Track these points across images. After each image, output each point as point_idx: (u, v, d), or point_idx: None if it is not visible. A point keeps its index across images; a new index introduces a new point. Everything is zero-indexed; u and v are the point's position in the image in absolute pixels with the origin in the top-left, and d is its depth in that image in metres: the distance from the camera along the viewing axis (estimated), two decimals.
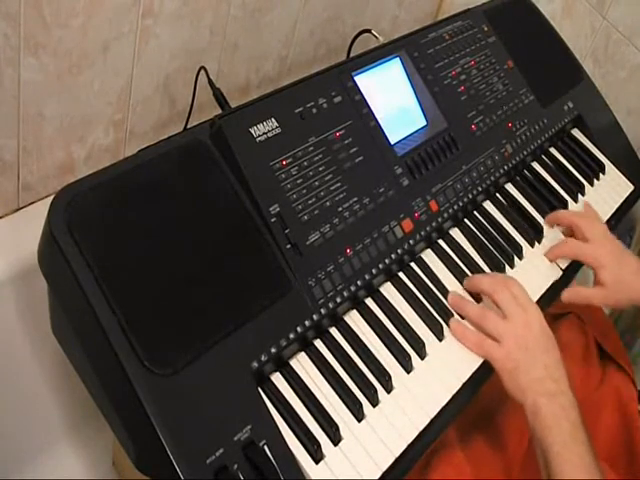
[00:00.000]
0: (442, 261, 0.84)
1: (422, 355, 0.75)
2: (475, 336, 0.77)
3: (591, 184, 1.04)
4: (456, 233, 0.88)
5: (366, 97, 0.84)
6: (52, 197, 0.63)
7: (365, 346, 0.73)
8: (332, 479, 0.64)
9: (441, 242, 0.86)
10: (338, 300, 0.73)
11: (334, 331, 0.73)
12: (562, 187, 1.00)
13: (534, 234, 0.91)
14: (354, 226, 0.77)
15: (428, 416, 0.71)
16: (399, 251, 0.79)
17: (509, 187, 0.97)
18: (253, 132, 0.73)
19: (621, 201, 1.04)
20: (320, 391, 0.68)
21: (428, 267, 0.82)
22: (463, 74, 0.96)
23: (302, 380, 0.68)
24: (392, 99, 0.88)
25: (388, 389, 0.71)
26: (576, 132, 1.10)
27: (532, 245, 0.91)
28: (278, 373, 0.68)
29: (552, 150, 1.06)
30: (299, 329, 0.69)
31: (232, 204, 0.70)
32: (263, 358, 0.65)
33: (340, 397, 0.69)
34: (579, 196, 1.01)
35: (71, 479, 1.08)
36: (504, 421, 0.86)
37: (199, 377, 0.61)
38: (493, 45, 1.02)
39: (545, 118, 1.04)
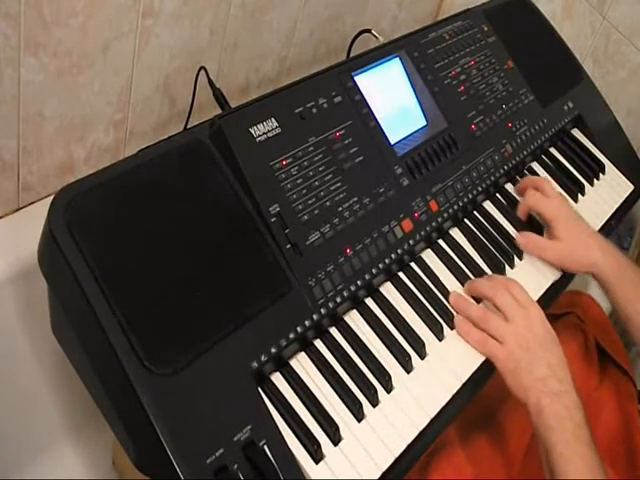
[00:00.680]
0: (442, 261, 0.84)
1: (422, 355, 0.75)
2: (479, 334, 0.77)
3: (591, 184, 1.04)
4: (456, 233, 0.88)
5: (366, 97, 0.84)
6: (52, 197, 0.63)
7: (365, 346, 0.73)
8: (332, 479, 0.64)
9: (441, 242, 0.86)
10: (338, 300, 0.73)
11: (334, 331, 0.73)
12: (562, 187, 1.00)
13: (534, 234, 0.91)
14: (354, 226, 0.77)
15: (428, 416, 0.71)
16: (399, 251, 0.79)
17: (509, 187, 0.97)
18: (253, 132, 0.73)
19: (621, 201, 1.04)
20: (320, 391, 0.68)
21: (428, 267, 0.82)
22: (463, 74, 0.96)
23: (302, 380, 0.68)
24: (392, 99, 0.88)
25: (388, 389, 0.71)
26: (576, 132, 1.10)
27: None
28: (278, 373, 0.68)
29: (552, 150, 1.06)
30: (299, 329, 0.69)
31: (232, 204, 0.70)
32: (263, 358, 0.65)
33: (340, 397, 0.69)
34: (579, 196, 1.01)
35: (71, 479, 1.08)
36: (505, 420, 0.86)
37: (199, 377, 0.61)
38: (493, 45, 1.02)
39: (545, 118, 1.04)
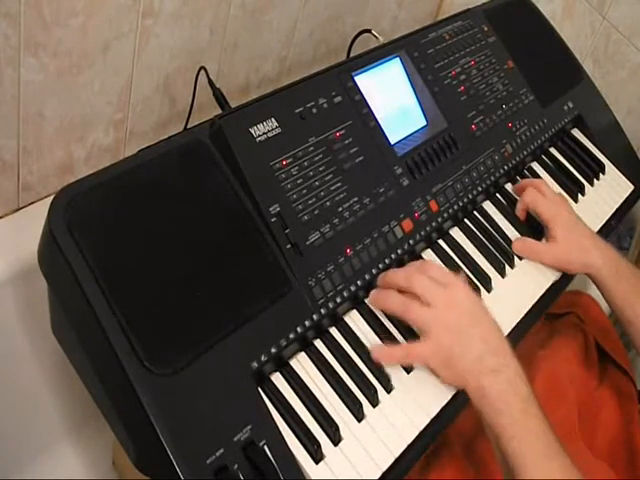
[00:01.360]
0: (442, 261, 0.84)
1: None
2: (399, 350, 0.72)
3: (591, 184, 1.04)
4: (456, 233, 0.88)
5: (366, 97, 0.84)
6: (52, 197, 0.63)
7: (365, 346, 0.73)
8: (332, 479, 0.64)
9: (441, 242, 0.86)
10: (338, 300, 0.73)
11: (334, 331, 0.73)
12: (562, 187, 1.00)
13: (534, 234, 0.91)
14: (354, 226, 0.77)
15: (428, 416, 0.71)
16: (399, 251, 0.79)
17: (509, 187, 0.97)
18: (253, 132, 0.73)
19: (621, 201, 1.04)
20: (320, 391, 0.68)
21: None
22: (463, 74, 0.96)
23: (302, 380, 0.68)
24: (392, 99, 0.88)
25: (388, 389, 0.71)
26: (576, 132, 1.10)
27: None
28: (278, 373, 0.68)
29: (552, 150, 1.06)
30: (299, 329, 0.69)
31: (232, 204, 0.70)
32: (263, 358, 0.65)
33: (340, 397, 0.69)
34: (579, 196, 1.01)
35: (71, 479, 1.08)
36: None
37: (199, 377, 0.61)
38: (493, 45, 1.02)
39: (545, 118, 1.04)
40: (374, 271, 0.76)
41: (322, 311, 0.71)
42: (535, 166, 1.02)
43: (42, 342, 0.97)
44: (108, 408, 0.64)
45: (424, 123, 0.90)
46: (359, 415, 0.68)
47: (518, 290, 0.85)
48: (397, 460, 0.67)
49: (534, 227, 0.92)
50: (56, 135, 0.89)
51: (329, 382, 0.69)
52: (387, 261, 0.78)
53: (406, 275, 0.73)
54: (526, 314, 0.83)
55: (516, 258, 0.88)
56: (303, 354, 0.70)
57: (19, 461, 1.05)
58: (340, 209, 0.76)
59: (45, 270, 0.66)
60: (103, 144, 0.97)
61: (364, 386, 0.70)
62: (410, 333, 0.75)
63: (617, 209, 1.03)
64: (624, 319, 0.84)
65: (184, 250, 0.66)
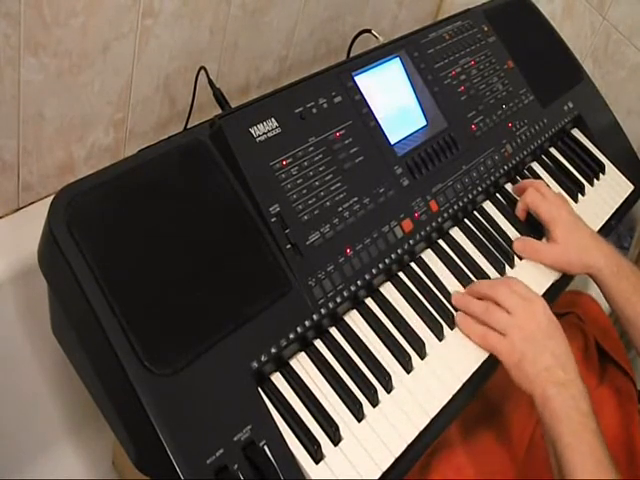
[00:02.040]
0: (442, 261, 0.84)
1: (422, 355, 0.75)
2: (480, 329, 0.77)
3: (591, 184, 1.04)
4: (456, 233, 0.88)
5: (366, 97, 0.84)
6: (52, 197, 0.63)
7: (365, 346, 0.73)
8: (332, 479, 0.64)
9: (441, 242, 0.86)
10: (338, 300, 0.73)
11: (334, 331, 0.73)
12: (562, 187, 1.00)
13: (534, 234, 0.91)
14: (354, 226, 0.77)
15: (428, 416, 0.71)
16: (399, 251, 0.79)
17: (509, 187, 0.97)
18: (253, 132, 0.73)
19: (621, 201, 1.04)
20: (320, 391, 0.68)
21: (428, 267, 0.82)
22: (463, 74, 0.96)
23: (302, 380, 0.68)
24: (392, 99, 0.88)
25: (388, 389, 0.71)
26: (576, 132, 1.10)
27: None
28: (278, 373, 0.68)
29: (552, 150, 1.06)
30: (299, 329, 0.69)
31: (232, 204, 0.70)
32: (263, 358, 0.65)
33: (340, 397, 0.69)
34: (579, 196, 1.01)
35: (71, 479, 1.08)
36: (505, 419, 0.86)
37: (199, 377, 0.61)
38: (493, 45, 1.02)
39: (545, 118, 1.04)
40: (374, 271, 0.76)
41: (322, 311, 0.71)
42: (535, 166, 1.02)
43: (42, 342, 0.97)
44: (108, 408, 0.64)
45: (424, 123, 0.90)
46: (359, 415, 0.68)
47: None
48: (397, 460, 0.67)
49: (534, 227, 0.92)
50: (56, 135, 0.89)
51: (329, 382, 0.69)
52: (387, 261, 0.78)
53: (491, 285, 0.80)
54: None
55: (516, 258, 0.88)
56: (303, 354, 0.70)
57: (19, 461, 1.05)
58: (340, 209, 0.76)
59: (45, 270, 0.66)
60: (103, 144, 0.97)
61: (364, 386, 0.70)
62: (411, 335, 0.75)
63: (617, 209, 1.03)
64: (624, 318, 0.85)
65: (184, 250, 0.66)
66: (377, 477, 0.66)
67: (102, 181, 0.65)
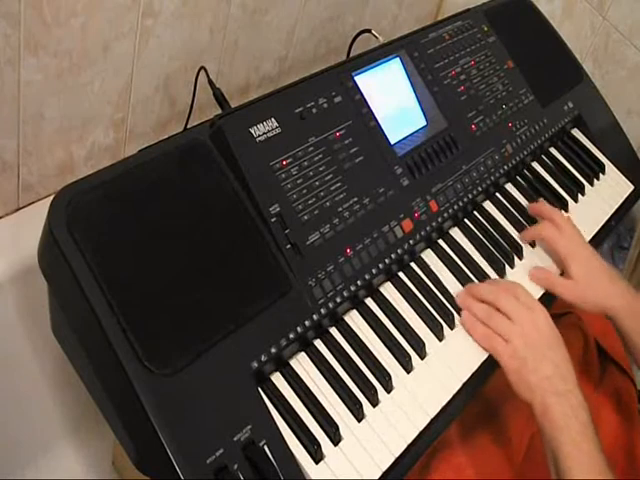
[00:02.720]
0: (442, 261, 0.84)
1: (422, 355, 0.75)
2: (484, 329, 0.77)
3: (591, 184, 1.04)
4: (456, 233, 0.88)
5: (366, 97, 0.84)
6: (52, 197, 0.63)
7: (365, 346, 0.73)
8: (332, 479, 0.64)
9: (441, 242, 0.86)
10: (338, 300, 0.73)
11: (334, 331, 0.73)
12: (562, 187, 1.00)
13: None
14: (354, 226, 0.77)
15: (428, 416, 0.71)
16: (399, 251, 0.79)
17: (509, 187, 0.97)
18: (253, 132, 0.73)
19: (621, 201, 1.04)
20: (320, 391, 0.68)
21: (428, 267, 0.82)
22: (463, 74, 0.96)
23: (302, 380, 0.68)
24: (392, 99, 0.88)
25: (388, 389, 0.71)
26: (576, 132, 1.10)
27: (532, 245, 0.91)
28: (278, 373, 0.68)
29: (552, 150, 1.06)
30: (299, 329, 0.69)
31: (232, 204, 0.70)
32: (263, 358, 0.65)
33: (340, 397, 0.69)
34: (579, 196, 1.01)
35: (71, 479, 1.08)
36: (505, 420, 0.86)
37: (199, 377, 0.61)
38: (493, 45, 1.02)
39: (545, 118, 1.04)
40: (374, 271, 0.76)
41: (322, 311, 0.71)
42: (535, 166, 1.02)
43: (42, 342, 0.97)
44: (108, 408, 0.64)
45: (424, 123, 0.90)
46: (359, 415, 0.68)
47: None
48: (397, 460, 0.67)
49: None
50: (56, 135, 0.89)
51: (329, 382, 0.69)
52: (387, 261, 0.78)
53: (493, 290, 0.79)
54: None
55: (516, 258, 0.88)
56: (303, 354, 0.70)
57: (19, 461, 1.05)
58: (340, 209, 0.76)
59: (45, 270, 0.66)
60: (103, 144, 0.97)
61: (364, 386, 0.70)
62: (411, 335, 0.75)
63: (617, 209, 1.03)
64: (638, 355, 0.84)
65: (184, 250, 0.66)
66: (377, 477, 0.66)
67: (102, 181, 0.65)
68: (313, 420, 0.66)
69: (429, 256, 0.84)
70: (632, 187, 1.07)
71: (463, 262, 0.85)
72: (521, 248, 0.89)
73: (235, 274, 0.67)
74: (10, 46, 0.77)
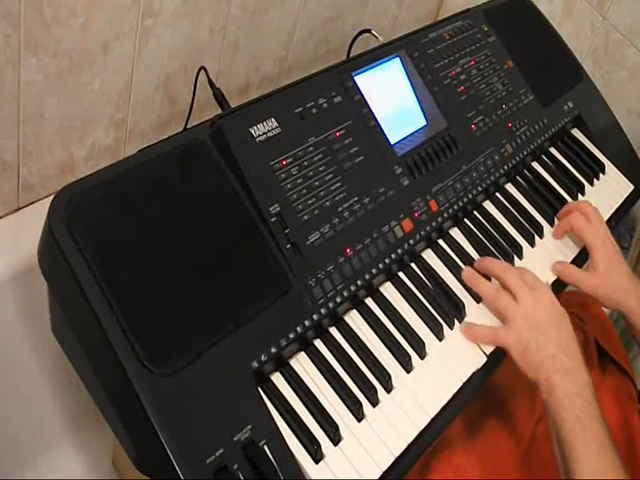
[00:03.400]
0: (442, 261, 0.84)
1: (422, 355, 0.75)
2: (487, 331, 0.78)
3: (591, 184, 1.04)
4: (456, 233, 0.88)
5: (366, 97, 0.84)
6: (52, 197, 0.63)
7: (365, 346, 0.73)
8: (332, 479, 0.64)
9: (441, 242, 0.86)
10: (338, 300, 0.73)
11: (334, 331, 0.73)
12: (562, 187, 1.00)
13: (534, 234, 0.91)
14: (354, 226, 0.77)
15: (428, 416, 0.71)
16: (399, 251, 0.79)
17: (509, 187, 0.97)
18: (253, 132, 0.73)
19: (621, 201, 1.04)
20: (320, 391, 0.68)
21: (428, 267, 0.82)
22: (463, 74, 0.96)
23: (302, 380, 0.68)
24: (392, 99, 0.88)
25: (388, 389, 0.71)
26: (576, 132, 1.10)
27: (532, 245, 0.91)
28: (278, 373, 0.68)
29: (552, 150, 1.06)
30: (299, 329, 0.69)
31: (232, 204, 0.70)
32: (263, 358, 0.65)
33: (340, 397, 0.69)
34: (579, 196, 1.01)
35: (71, 479, 1.08)
36: (507, 415, 0.86)
37: (199, 377, 0.61)
38: (493, 45, 1.02)
39: (545, 118, 1.04)
40: (374, 271, 0.76)
41: (322, 311, 0.71)
42: (535, 166, 1.02)
43: (42, 342, 0.97)
44: (108, 408, 0.64)
45: (424, 123, 0.90)
46: (359, 415, 0.68)
47: None
48: (397, 460, 0.67)
49: (535, 227, 0.92)
50: (56, 135, 0.90)
51: (329, 382, 0.69)
52: (387, 261, 0.78)
53: (503, 267, 0.81)
54: None
55: (516, 258, 0.88)
56: (303, 354, 0.70)
57: (19, 461, 1.05)
58: (340, 209, 0.76)
59: (45, 270, 0.66)
60: (103, 144, 0.97)
61: (364, 386, 0.70)
62: (411, 335, 0.75)
63: (617, 209, 1.03)
64: None
65: (184, 250, 0.66)
66: (377, 477, 0.66)
67: (102, 181, 0.65)
68: (313, 420, 0.66)
69: (429, 256, 0.84)
70: (632, 187, 1.07)
71: (463, 262, 0.85)
72: (521, 248, 0.89)
73: (235, 274, 0.67)
74: (10, 46, 0.77)
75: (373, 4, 1.26)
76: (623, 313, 0.87)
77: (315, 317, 0.70)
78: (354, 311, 0.76)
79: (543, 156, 1.04)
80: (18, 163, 0.88)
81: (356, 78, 0.84)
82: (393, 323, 0.76)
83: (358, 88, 0.84)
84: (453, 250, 0.86)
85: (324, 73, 0.83)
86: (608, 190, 1.05)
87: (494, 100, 0.98)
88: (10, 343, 0.95)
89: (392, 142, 0.84)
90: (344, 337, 0.73)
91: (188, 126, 0.94)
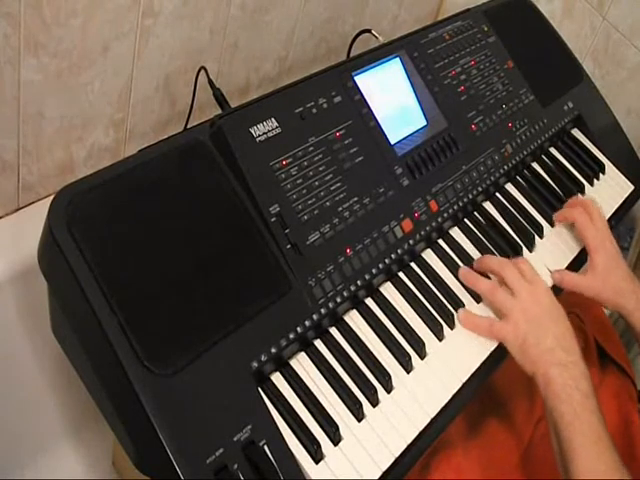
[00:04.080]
0: (442, 261, 0.84)
1: (422, 355, 0.75)
2: (484, 321, 0.78)
3: (591, 184, 1.04)
4: (456, 233, 0.88)
5: (366, 97, 0.84)
6: (52, 197, 0.63)
7: (365, 346, 0.73)
8: (332, 479, 0.64)
9: (441, 242, 0.86)
10: (338, 300, 0.73)
11: (334, 331, 0.73)
12: (562, 187, 1.00)
13: (534, 234, 0.91)
14: (354, 226, 0.77)
15: (428, 416, 0.71)
16: (399, 251, 0.79)
17: (509, 187, 0.97)
18: (253, 132, 0.73)
19: (621, 201, 1.04)
20: (320, 391, 0.68)
21: (428, 267, 0.82)
22: (463, 74, 0.96)
23: (302, 380, 0.68)
24: (392, 99, 0.88)
25: (388, 389, 0.71)
26: (576, 132, 1.10)
27: (532, 245, 0.91)
28: (278, 373, 0.68)
29: (552, 150, 1.06)
30: (299, 329, 0.69)
31: (232, 204, 0.70)
32: (263, 358, 0.65)
33: (340, 397, 0.69)
34: (579, 196, 1.00)
35: (71, 479, 1.08)
36: (506, 416, 0.86)
37: (199, 377, 0.61)
38: (493, 45, 1.02)
39: (545, 118, 1.04)
40: (374, 271, 0.76)
41: (322, 311, 0.71)
42: (535, 166, 1.02)
43: (42, 342, 0.97)
44: (108, 408, 0.64)
45: (424, 123, 0.90)
46: (359, 415, 0.68)
47: None
48: (397, 460, 0.67)
49: (535, 227, 0.92)
50: (56, 135, 0.90)
51: (329, 382, 0.69)
52: (387, 261, 0.78)
53: (500, 261, 0.82)
54: None
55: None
56: (303, 354, 0.70)
57: (19, 461, 1.05)
58: (340, 209, 0.76)
59: (45, 270, 0.66)
60: (103, 144, 0.97)
61: (364, 386, 0.70)
62: (411, 335, 0.75)
63: (617, 209, 1.03)
64: None
65: (184, 250, 0.66)
66: (377, 477, 0.66)
67: (102, 181, 0.65)
68: (313, 420, 0.66)
69: (429, 256, 0.84)
70: (632, 187, 1.07)
71: (463, 262, 0.85)
72: (521, 248, 0.89)
73: (235, 274, 0.67)
74: (10, 46, 0.77)
75: (373, 4, 1.26)
76: (622, 314, 0.87)
77: (315, 317, 0.70)
78: (354, 311, 0.76)
79: (543, 156, 1.04)
80: (18, 163, 0.88)
81: (356, 78, 0.84)
82: (393, 323, 0.76)
83: (358, 88, 0.84)
84: (453, 250, 0.86)
85: (324, 73, 0.83)
86: (608, 190, 1.04)
87: (494, 100, 0.98)
88: (10, 343, 0.95)
89: (392, 142, 0.84)
90: (344, 337, 0.73)
91: (188, 126, 0.94)
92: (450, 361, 0.76)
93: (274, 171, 0.73)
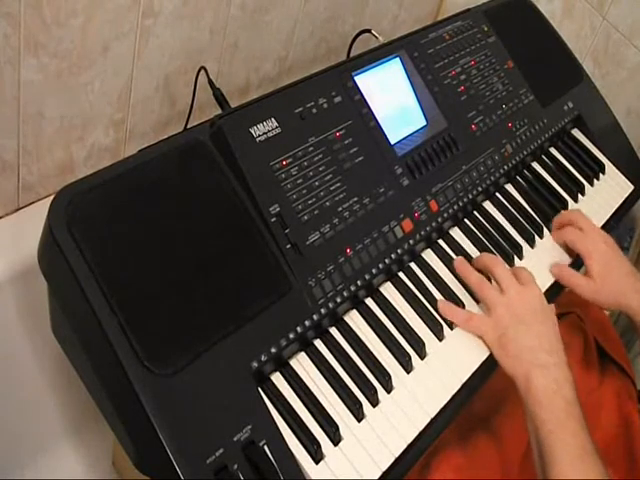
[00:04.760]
0: (442, 261, 0.84)
1: (422, 355, 0.75)
2: (461, 312, 0.78)
3: (591, 184, 1.04)
4: (456, 233, 0.88)
5: (366, 97, 0.84)
6: (52, 197, 0.63)
7: (365, 346, 0.73)
8: (332, 479, 0.64)
9: (441, 242, 0.86)
10: (338, 300, 0.73)
11: (334, 331, 0.73)
12: (562, 187, 1.00)
13: (534, 234, 0.91)
14: (354, 226, 0.77)
15: (428, 416, 0.71)
16: (399, 251, 0.79)
17: (509, 187, 0.97)
18: (253, 132, 0.73)
19: (621, 201, 1.04)
20: (320, 391, 0.68)
21: (428, 267, 0.82)
22: (463, 74, 0.96)
23: (302, 380, 0.68)
24: (392, 99, 0.88)
25: (388, 389, 0.71)
26: (576, 132, 1.10)
27: (532, 245, 0.91)
28: (278, 373, 0.68)
29: (552, 150, 1.06)
30: (299, 329, 0.69)
31: (232, 204, 0.70)
32: (263, 358, 0.65)
33: (340, 397, 0.69)
34: (579, 196, 1.01)
35: (71, 479, 1.08)
36: (503, 421, 0.86)
37: (199, 377, 0.61)
38: (493, 45, 1.02)
39: (545, 118, 1.04)
40: (374, 271, 0.76)
41: (322, 311, 0.71)
42: (535, 166, 1.02)
43: (42, 342, 0.97)
44: (108, 408, 0.64)
45: (424, 123, 0.90)
46: (359, 415, 0.68)
47: None
48: (397, 460, 0.67)
49: (535, 227, 0.92)
50: (56, 135, 0.90)
51: (329, 382, 0.69)
52: (387, 261, 0.78)
53: (493, 260, 0.81)
54: None
55: (516, 258, 0.88)
56: (303, 354, 0.70)
57: (19, 461, 1.05)
58: (340, 209, 0.76)
59: (45, 270, 0.66)
60: (103, 144, 0.97)
61: (364, 386, 0.70)
62: (411, 335, 0.75)
63: (617, 209, 1.03)
64: None
65: (184, 250, 0.66)
66: (377, 477, 0.66)
67: (102, 181, 0.65)
68: (313, 420, 0.66)
69: (429, 256, 0.84)
70: (632, 187, 1.07)
71: None
72: (521, 248, 0.89)
73: (235, 274, 0.67)
74: (10, 46, 0.77)
75: (373, 4, 1.26)
76: (629, 315, 0.86)
77: (315, 317, 0.70)
78: (354, 311, 0.76)
79: (543, 156, 1.04)
80: (18, 163, 0.88)
81: (356, 78, 0.84)
82: (393, 323, 0.76)
83: (358, 88, 0.84)
84: (453, 250, 0.86)
85: (324, 73, 0.83)
86: (608, 190, 1.04)
87: (494, 100, 0.98)
88: (10, 343, 0.95)
89: (392, 142, 0.84)
90: (344, 337, 0.73)
91: (188, 126, 0.94)
92: (450, 361, 0.76)
93: (274, 171, 0.73)
